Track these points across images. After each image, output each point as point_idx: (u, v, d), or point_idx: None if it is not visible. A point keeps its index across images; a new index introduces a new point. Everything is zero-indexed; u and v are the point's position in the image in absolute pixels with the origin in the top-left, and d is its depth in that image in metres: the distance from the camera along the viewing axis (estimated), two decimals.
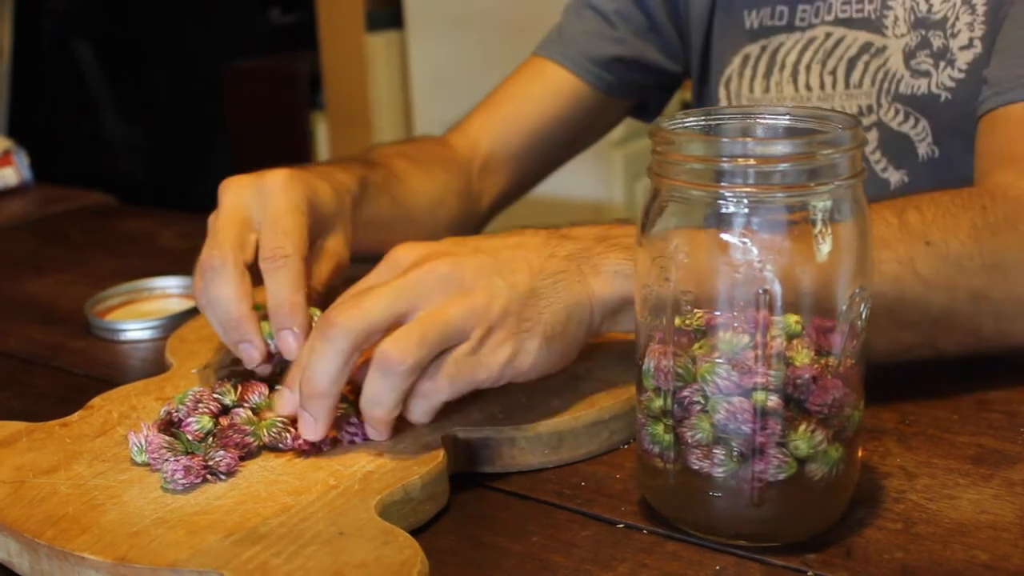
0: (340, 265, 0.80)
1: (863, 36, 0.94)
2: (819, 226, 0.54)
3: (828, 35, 0.95)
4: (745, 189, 0.53)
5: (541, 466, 0.67)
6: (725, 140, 0.56)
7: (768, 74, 1.00)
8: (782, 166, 0.53)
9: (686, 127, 0.59)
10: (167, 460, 0.62)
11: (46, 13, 3.19)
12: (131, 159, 3.25)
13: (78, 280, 1.09)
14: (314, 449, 0.64)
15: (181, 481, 0.61)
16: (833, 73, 0.95)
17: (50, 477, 0.63)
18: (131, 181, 3.12)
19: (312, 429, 0.63)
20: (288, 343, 0.69)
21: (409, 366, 0.61)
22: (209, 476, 0.62)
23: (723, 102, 1.04)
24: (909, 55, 0.91)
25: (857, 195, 0.55)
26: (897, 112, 0.92)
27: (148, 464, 0.64)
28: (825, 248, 0.54)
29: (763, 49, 1.00)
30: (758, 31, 1.00)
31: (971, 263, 0.69)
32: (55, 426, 0.69)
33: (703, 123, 0.59)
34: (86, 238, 1.28)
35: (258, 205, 0.75)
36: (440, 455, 0.63)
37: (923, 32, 0.90)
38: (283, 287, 0.70)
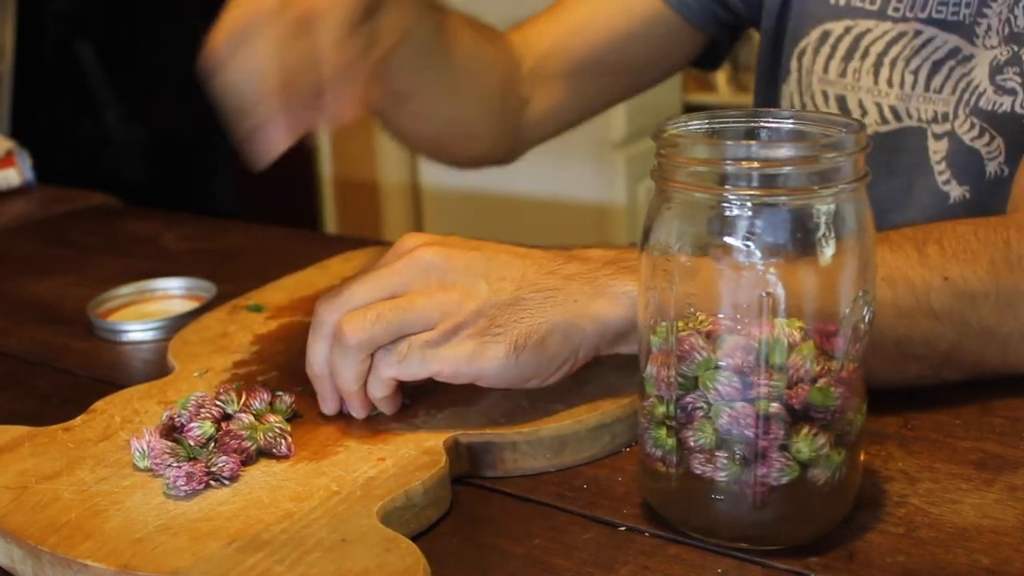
0: (388, 44, 0.74)
1: (953, 40, 0.89)
2: (822, 229, 0.54)
3: (918, 32, 0.91)
4: (749, 192, 0.53)
5: (543, 470, 0.67)
6: (729, 143, 0.55)
7: (848, 58, 0.95)
8: (786, 169, 0.53)
9: (690, 130, 0.59)
10: (169, 466, 0.62)
11: (48, 14, 3.19)
12: (133, 160, 3.26)
13: (81, 281, 1.09)
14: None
15: (183, 488, 0.61)
16: (915, 73, 0.91)
17: (53, 483, 0.63)
18: (133, 182, 3.12)
19: (324, 406, 0.69)
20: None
21: (359, 342, 0.64)
22: (212, 482, 0.62)
23: (794, 75, 1.00)
24: (996, 69, 0.87)
25: (861, 199, 0.55)
26: (973, 126, 0.88)
27: (151, 470, 0.64)
28: (828, 252, 0.54)
29: (847, 30, 0.95)
30: (844, 9, 0.96)
31: (986, 300, 0.68)
32: (58, 430, 0.69)
33: (707, 126, 0.59)
34: (89, 239, 1.28)
35: None
36: (442, 460, 0.63)
37: (1015, 47, 0.86)
38: (327, 35, 0.66)
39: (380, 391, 0.66)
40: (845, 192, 0.54)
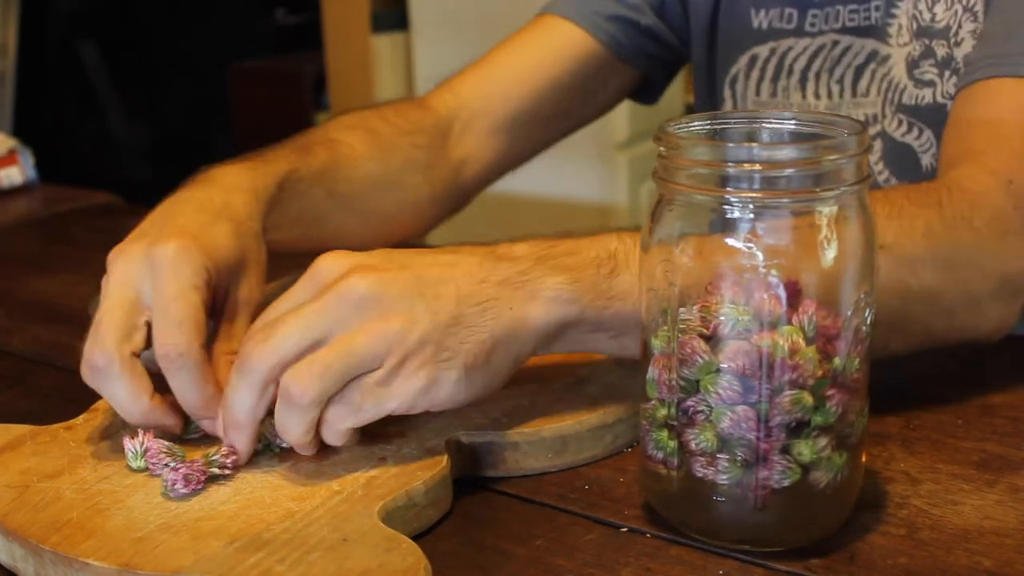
0: (255, 307, 0.74)
1: (870, 44, 0.92)
2: (824, 231, 0.54)
3: (835, 43, 0.94)
4: (750, 194, 0.53)
5: (544, 470, 0.67)
6: (731, 145, 0.56)
7: (776, 78, 0.98)
8: (788, 171, 0.53)
9: (692, 131, 0.59)
10: (166, 466, 0.62)
11: (52, 13, 3.19)
12: (136, 159, 3.26)
13: (83, 280, 1.09)
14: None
15: (181, 490, 0.61)
16: (840, 82, 0.94)
17: (55, 482, 0.63)
18: (136, 181, 3.12)
19: (239, 457, 0.64)
20: (214, 429, 0.66)
21: (310, 400, 0.60)
22: (214, 470, 0.62)
23: (728, 103, 1.02)
24: (912, 65, 0.89)
25: (862, 200, 0.55)
26: (900, 123, 0.90)
27: (146, 470, 0.64)
28: (830, 253, 0.54)
29: (772, 52, 0.98)
30: (767, 32, 0.98)
31: (924, 265, 0.68)
32: (60, 429, 0.69)
33: (709, 127, 0.59)
34: (91, 237, 1.28)
35: (148, 283, 0.68)
36: (443, 460, 0.63)
37: (926, 41, 0.88)
38: (187, 387, 0.66)
39: (341, 439, 0.63)
40: (847, 194, 0.54)
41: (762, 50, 0.99)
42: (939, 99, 0.88)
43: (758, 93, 1.00)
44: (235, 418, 0.63)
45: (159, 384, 0.67)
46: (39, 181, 1.52)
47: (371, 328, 0.60)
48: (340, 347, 0.60)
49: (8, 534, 0.59)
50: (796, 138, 0.58)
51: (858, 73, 0.93)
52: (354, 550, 0.55)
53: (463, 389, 0.62)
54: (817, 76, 0.95)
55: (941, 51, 0.88)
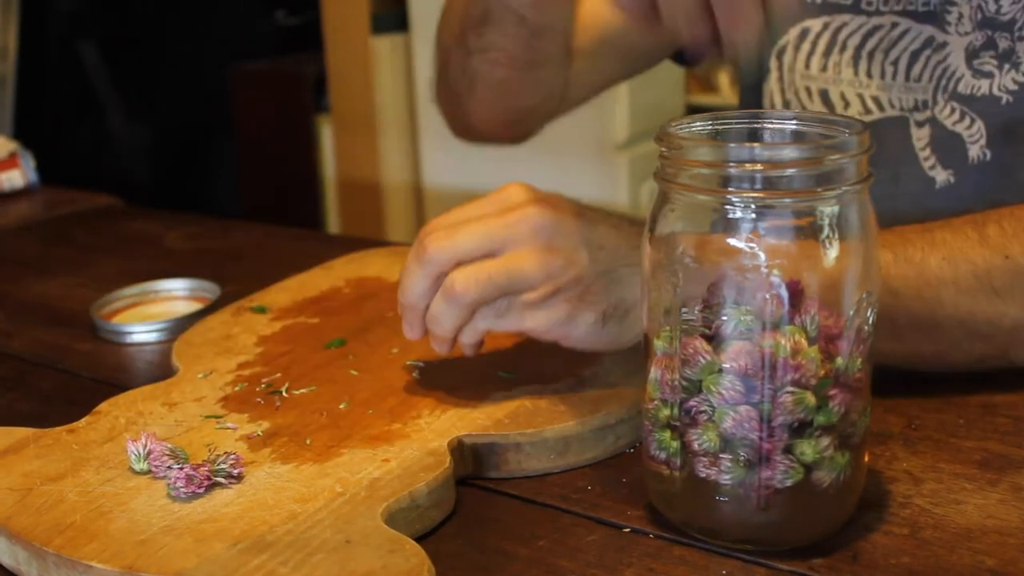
0: None
1: (928, 30, 0.92)
2: (826, 231, 0.54)
3: (895, 25, 0.94)
4: (752, 194, 0.53)
5: (547, 471, 0.67)
6: (732, 145, 0.55)
7: (828, 53, 0.98)
8: (789, 171, 0.53)
9: (693, 131, 0.59)
10: (170, 468, 0.62)
11: (52, 15, 3.19)
12: (137, 161, 3.26)
13: (84, 282, 1.09)
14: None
15: (183, 490, 0.61)
16: (895, 64, 0.94)
17: (58, 484, 0.63)
18: (137, 183, 3.13)
19: (409, 332, 0.72)
20: None
21: (469, 300, 0.67)
22: (220, 479, 0.62)
23: (774, 74, 1.02)
24: (972, 54, 0.90)
25: (864, 200, 0.55)
26: (953, 111, 0.91)
27: (149, 472, 0.64)
28: (832, 253, 0.54)
29: (825, 26, 0.98)
30: (821, 6, 0.99)
31: None
32: (62, 432, 0.70)
33: (710, 127, 0.59)
34: (92, 240, 1.28)
35: None
36: (446, 461, 0.63)
37: (989, 32, 0.89)
38: None
39: (472, 339, 0.70)
40: (848, 193, 0.54)
41: (814, 24, 0.99)
42: (995, 91, 0.89)
43: (807, 66, 1.00)
44: (408, 299, 0.70)
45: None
46: (40, 184, 1.52)
47: (537, 256, 0.67)
48: (507, 263, 0.67)
49: (11, 537, 0.59)
50: (797, 138, 0.58)
51: (913, 58, 0.93)
52: (357, 552, 0.55)
53: (594, 332, 0.69)
54: (871, 55, 0.95)
55: (1003, 43, 0.88)
